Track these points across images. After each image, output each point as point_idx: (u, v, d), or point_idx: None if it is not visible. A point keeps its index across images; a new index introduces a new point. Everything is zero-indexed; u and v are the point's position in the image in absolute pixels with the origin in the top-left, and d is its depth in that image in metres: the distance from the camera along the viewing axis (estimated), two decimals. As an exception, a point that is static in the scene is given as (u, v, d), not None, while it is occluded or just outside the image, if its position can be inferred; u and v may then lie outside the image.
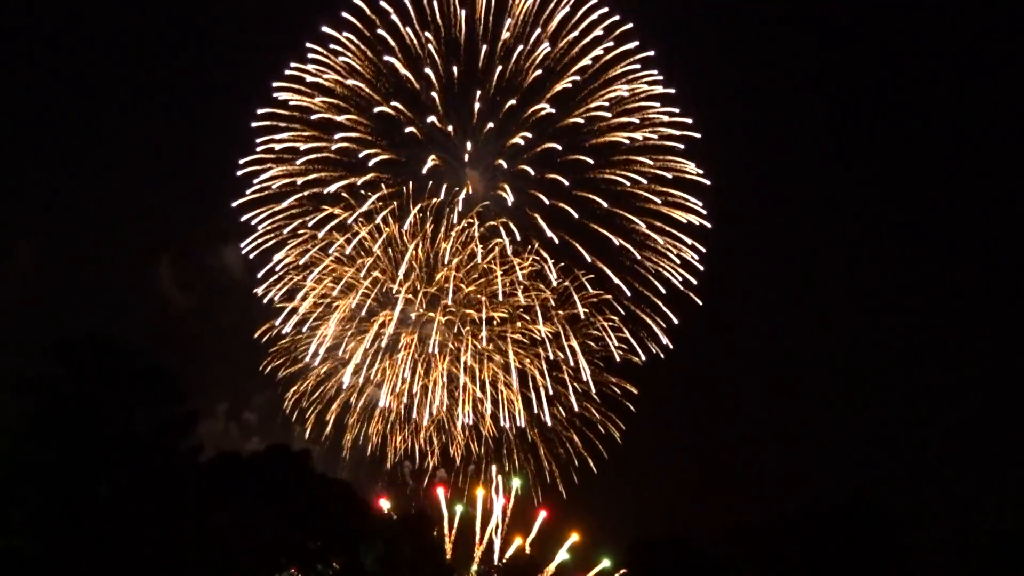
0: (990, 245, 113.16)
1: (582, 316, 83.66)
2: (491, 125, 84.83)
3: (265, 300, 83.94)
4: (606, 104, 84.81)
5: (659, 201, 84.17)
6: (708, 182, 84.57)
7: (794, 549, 48.45)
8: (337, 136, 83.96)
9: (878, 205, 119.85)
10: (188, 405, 47.92)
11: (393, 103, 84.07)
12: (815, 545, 48.16)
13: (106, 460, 44.38)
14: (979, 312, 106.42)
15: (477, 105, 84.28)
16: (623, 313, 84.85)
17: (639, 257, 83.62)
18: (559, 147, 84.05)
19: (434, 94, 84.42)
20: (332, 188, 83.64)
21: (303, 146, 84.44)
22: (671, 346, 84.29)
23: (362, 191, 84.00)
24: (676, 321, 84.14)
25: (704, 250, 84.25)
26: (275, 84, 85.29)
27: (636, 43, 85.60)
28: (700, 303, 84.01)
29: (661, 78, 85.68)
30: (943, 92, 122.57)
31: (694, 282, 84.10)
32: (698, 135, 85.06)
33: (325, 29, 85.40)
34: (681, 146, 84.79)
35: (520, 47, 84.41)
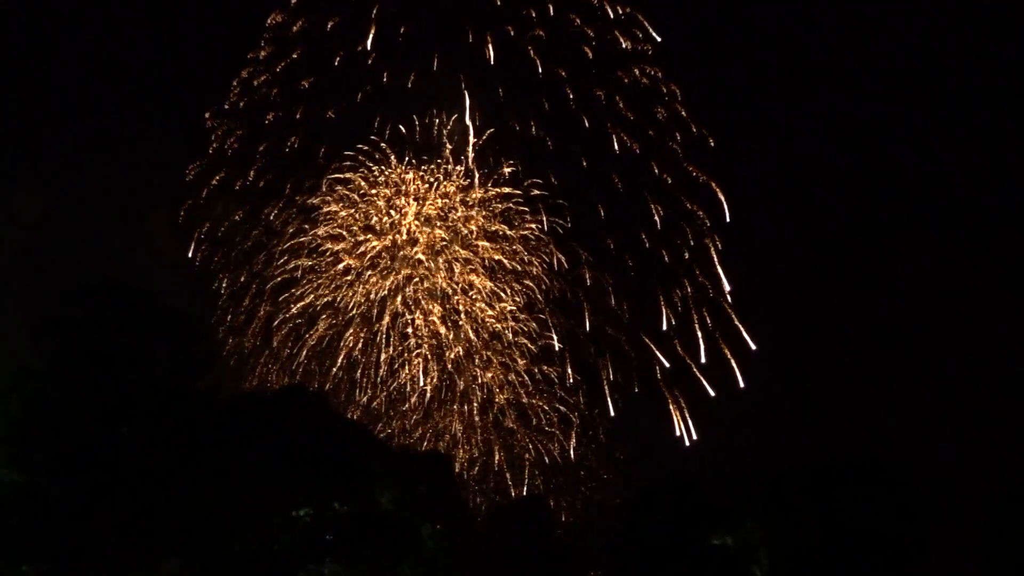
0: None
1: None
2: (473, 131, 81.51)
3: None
4: (602, 99, 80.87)
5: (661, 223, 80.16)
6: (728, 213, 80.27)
7: (806, 501, 48.68)
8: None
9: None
10: (204, 347, 48.94)
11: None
12: (827, 497, 48.34)
13: (126, 401, 45.24)
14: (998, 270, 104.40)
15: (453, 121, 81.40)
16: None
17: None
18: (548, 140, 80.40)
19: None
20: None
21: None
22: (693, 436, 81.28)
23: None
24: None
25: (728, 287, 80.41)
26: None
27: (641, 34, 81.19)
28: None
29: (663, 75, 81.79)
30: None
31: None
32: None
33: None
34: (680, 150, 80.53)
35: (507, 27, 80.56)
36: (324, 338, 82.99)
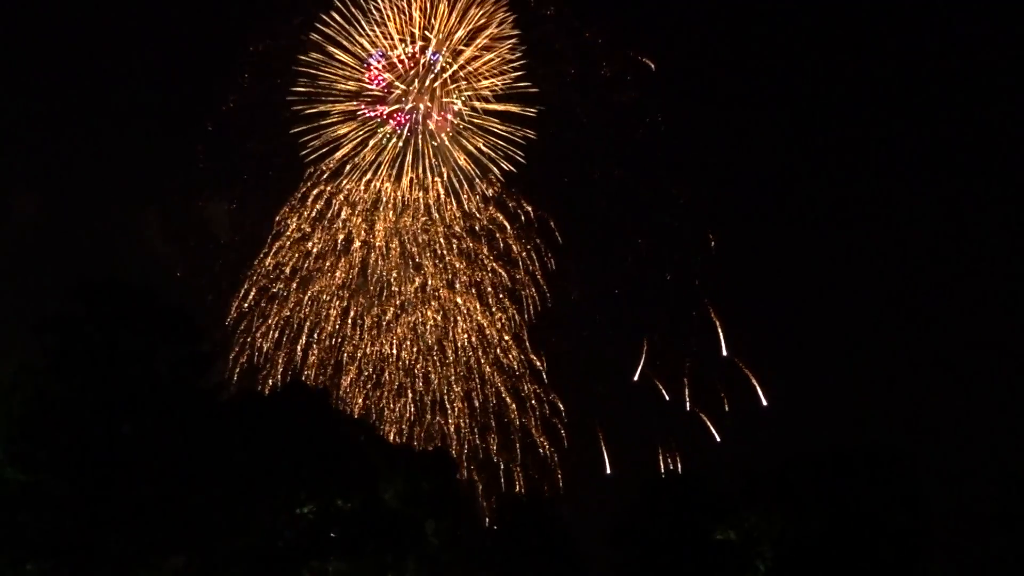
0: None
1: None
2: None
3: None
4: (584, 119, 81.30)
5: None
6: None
7: (808, 493, 48.72)
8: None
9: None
10: (206, 345, 48.88)
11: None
12: (829, 490, 48.37)
13: (129, 398, 45.17)
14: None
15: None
16: None
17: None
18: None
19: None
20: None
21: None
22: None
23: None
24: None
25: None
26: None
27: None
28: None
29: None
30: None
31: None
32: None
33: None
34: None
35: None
36: (295, 360, 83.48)
